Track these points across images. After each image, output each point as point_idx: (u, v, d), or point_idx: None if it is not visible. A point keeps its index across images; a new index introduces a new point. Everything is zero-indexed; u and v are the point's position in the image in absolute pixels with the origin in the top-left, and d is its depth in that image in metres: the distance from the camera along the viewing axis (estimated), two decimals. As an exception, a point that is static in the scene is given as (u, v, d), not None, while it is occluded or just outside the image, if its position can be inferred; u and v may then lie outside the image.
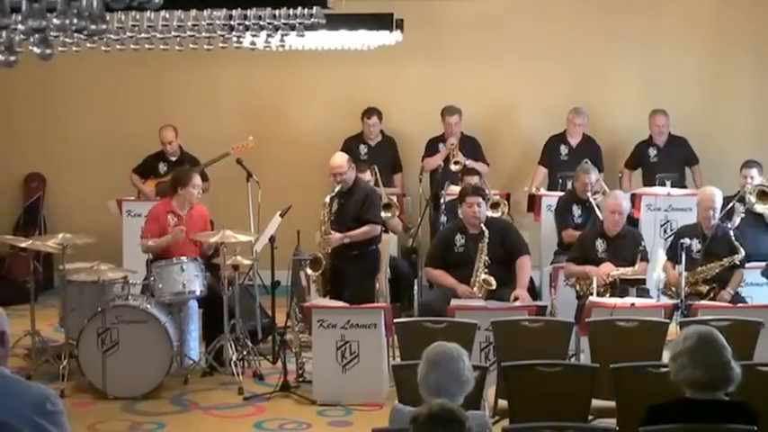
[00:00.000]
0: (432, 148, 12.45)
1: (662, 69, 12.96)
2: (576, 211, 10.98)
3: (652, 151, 12.42)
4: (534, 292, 10.25)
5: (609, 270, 9.48)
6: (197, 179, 10.23)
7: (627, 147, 12.67)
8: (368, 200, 10.18)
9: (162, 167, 12.21)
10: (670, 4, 13.03)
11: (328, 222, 10.00)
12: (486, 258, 9.50)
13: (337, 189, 10.04)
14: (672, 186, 11.72)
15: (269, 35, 7.83)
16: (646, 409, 5.39)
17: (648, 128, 12.47)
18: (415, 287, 10.89)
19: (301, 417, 8.81)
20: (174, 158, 12.24)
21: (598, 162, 12.01)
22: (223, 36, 7.77)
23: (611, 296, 9.20)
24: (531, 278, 9.96)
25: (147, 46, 7.91)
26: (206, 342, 10.04)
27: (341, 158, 10.15)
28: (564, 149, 12.48)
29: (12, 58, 4.98)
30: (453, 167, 11.86)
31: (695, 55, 13.02)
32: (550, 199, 11.65)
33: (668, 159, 12.33)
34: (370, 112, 12.67)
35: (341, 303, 9.40)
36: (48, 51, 4.82)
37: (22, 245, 10.29)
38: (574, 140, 12.51)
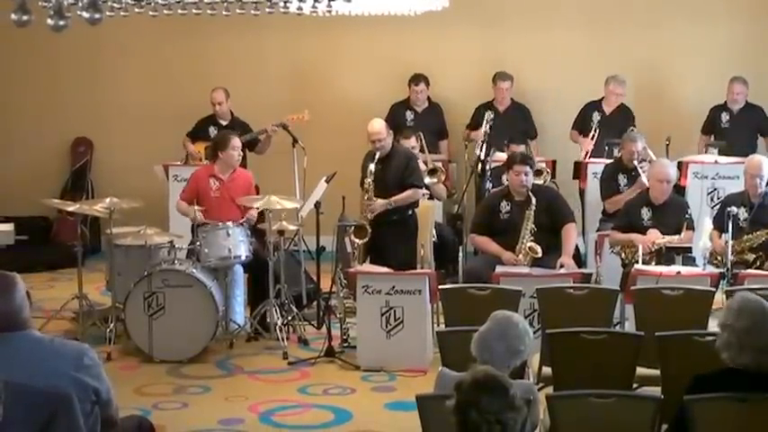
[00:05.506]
0: (479, 115, 12.38)
1: (735, 36, 12.81)
2: (622, 179, 10.91)
3: (725, 116, 12.30)
4: (579, 259, 10.23)
5: (655, 238, 9.42)
6: (236, 141, 10.23)
7: (699, 113, 12.49)
8: (411, 164, 10.19)
9: (212, 131, 12.14)
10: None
11: (372, 189, 9.99)
12: (532, 226, 9.47)
13: (378, 156, 10.03)
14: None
15: (315, 0, 7.81)
16: (691, 377, 5.38)
17: (725, 94, 12.31)
18: (460, 253, 10.87)
19: (345, 382, 8.84)
20: (224, 122, 12.22)
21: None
22: (270, 1, 7.76)
23: (656, 264, 9.15)
24: (577, 246, 9.93)
25: (194, 11, 7.93)
26: (251, 307, 10.09)
27: (379, 125, 10.12)
28: (597, 116, 12.39)
29: (61, 23, 5.00)
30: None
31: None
32: (596, 166, 11.58)
33: (740, 126, 12.21)
34: (417, 79, 12.65)
35: (386, 269, 9.41)
36: (96, 16, 4.85)
37: (70, 209, 10.34)
38: (608, 108, 12.41)
